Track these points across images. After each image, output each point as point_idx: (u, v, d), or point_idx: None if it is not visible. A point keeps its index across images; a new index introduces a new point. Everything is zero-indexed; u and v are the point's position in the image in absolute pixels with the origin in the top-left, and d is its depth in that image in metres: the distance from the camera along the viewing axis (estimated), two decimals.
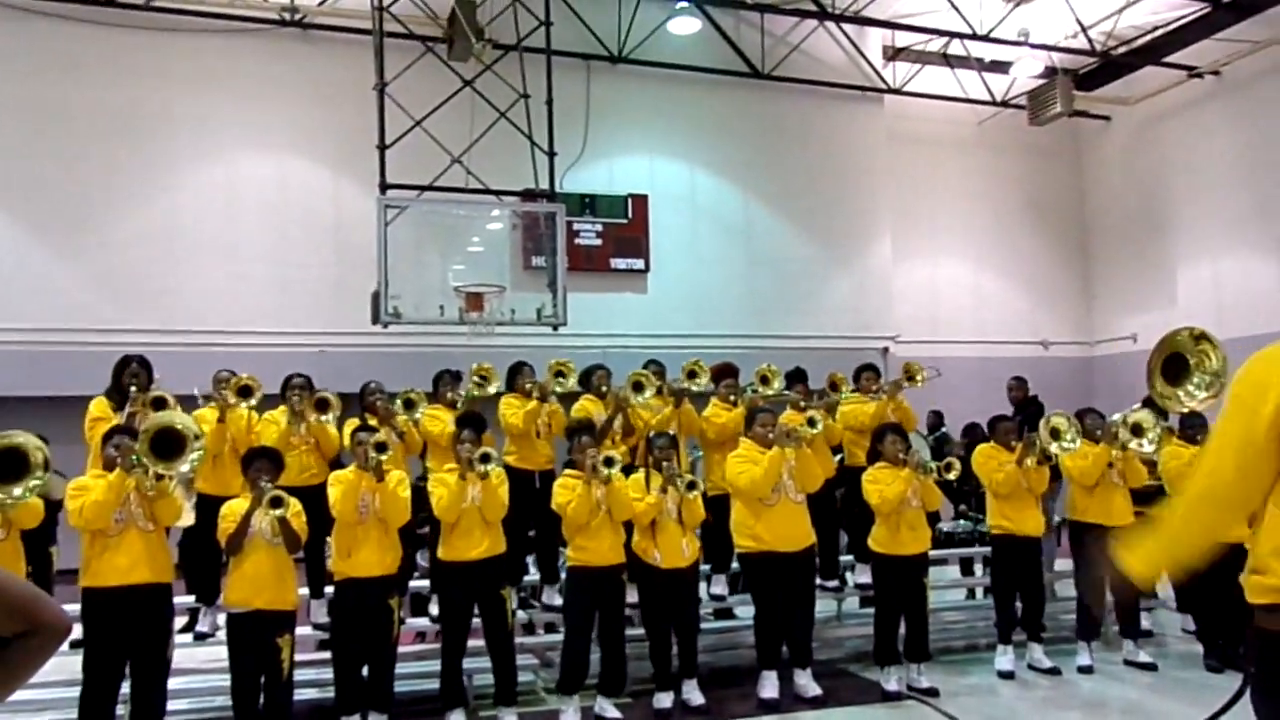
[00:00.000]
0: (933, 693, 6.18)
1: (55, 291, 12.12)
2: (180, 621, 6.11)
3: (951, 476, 6.23)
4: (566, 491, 5.72)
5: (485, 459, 5.43)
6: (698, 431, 6.95)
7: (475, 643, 5.74)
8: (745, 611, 6.93)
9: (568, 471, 5.90)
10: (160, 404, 5.85)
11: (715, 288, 14.66)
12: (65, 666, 5.14)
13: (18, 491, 4.43)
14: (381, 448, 5.24)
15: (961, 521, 8.96)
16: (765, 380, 6.91)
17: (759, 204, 15.21)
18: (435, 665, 5.72)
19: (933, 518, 8.59)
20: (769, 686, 6.03)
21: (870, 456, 6.40)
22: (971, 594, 8.75)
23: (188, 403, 6.26)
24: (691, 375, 6.84)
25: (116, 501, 4.81)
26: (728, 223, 15.02)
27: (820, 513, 6.79)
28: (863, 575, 7.09)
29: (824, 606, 7.30)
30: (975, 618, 8.02)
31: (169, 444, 4.66)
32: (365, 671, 5.42)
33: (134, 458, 4.71)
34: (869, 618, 6.63)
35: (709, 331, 13.82)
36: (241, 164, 13.04)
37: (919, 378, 7.20)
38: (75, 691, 4.94)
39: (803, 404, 6.92)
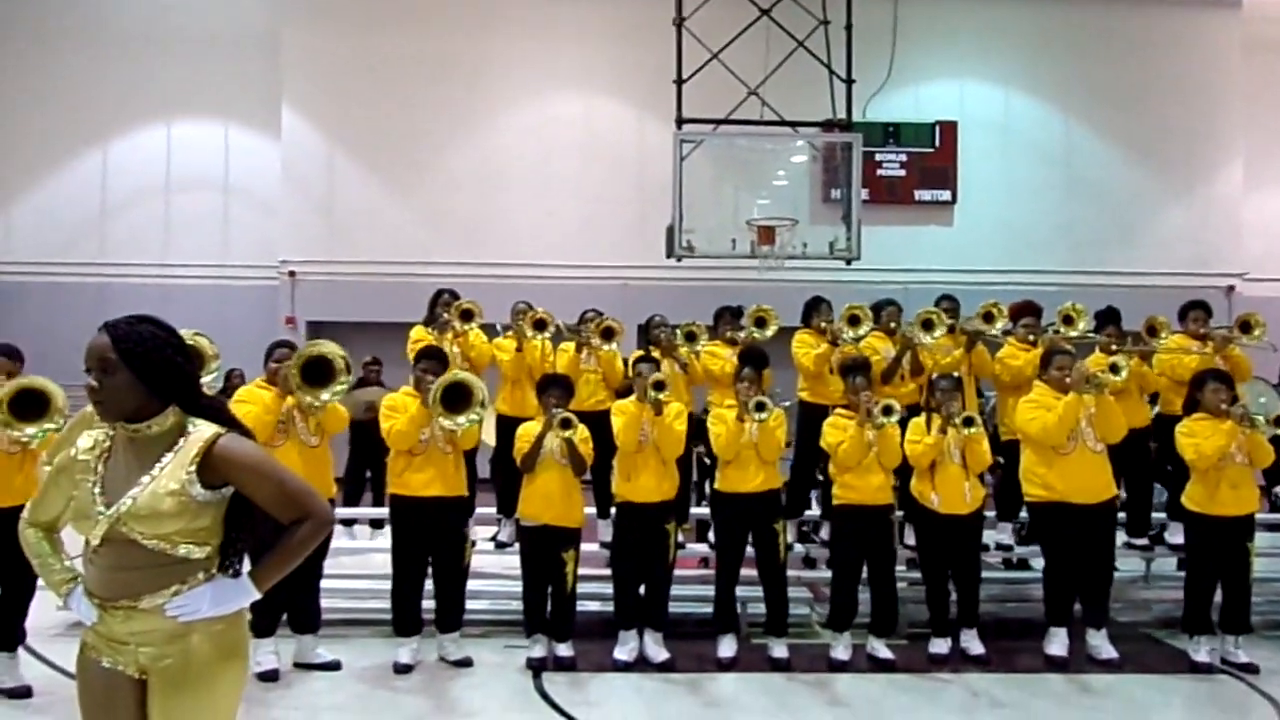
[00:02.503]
0: (1251, 669, 5.56)
1: (391, 227, 13.50)
2: (490, 530, 6.71)
3: None
4: (837, 432, 5.64)
5: (760, 408, 5.44)
6: (990, 375, 6.55)
7: (752, 572, 5.85)
8: (1041, 563, 6.55)
9: (839, 411, 5.80)
10: (468, 315, 6.41)
11: (1029, 220, 13.71)
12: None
13: (325, 395, 4.98)
14: (660, 386, 5.39)
15: None
16: (1069, 320, 6.39)
17: (1082, 128, 13.98)
18: (713, 590, 5.88)
19: (1274, 478, 7.66)
20: (1057, 644, 5.68)
21: (1187, 406, 5.75)
22: None
23: (492, 332, 6.75)
24: (988, 318, 6.45)
25: (417, 431, 5.39)
26: (1045, 149, 13.95)
27: (1133, 464, 6.28)
28: (1177, 535, 6.44)
29: (1131, 565, 6.77)
30: None
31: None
32: (642, 590, 5.67)
33: (431, 398, 5.17)
34: (1182, 581, 6.02)
35: (1021, 267, 12.97)
36: (553, 104, 13.74)
37: (1257, 333, 6.33)
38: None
39: (1114, 347, 6.33)
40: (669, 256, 9.59)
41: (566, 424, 5.32)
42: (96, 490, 2.32)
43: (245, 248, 14.13)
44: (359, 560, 7.25)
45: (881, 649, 5.67)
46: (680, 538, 6.53)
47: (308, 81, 13.62)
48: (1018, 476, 5.94)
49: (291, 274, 13.67)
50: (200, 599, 2.32)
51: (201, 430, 2.36)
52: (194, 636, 2.33)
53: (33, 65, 14.15)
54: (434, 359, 5.56)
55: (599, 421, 5.86)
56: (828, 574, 6.54)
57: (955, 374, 6.05)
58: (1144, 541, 6.66)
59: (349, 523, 8.42)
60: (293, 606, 5.36)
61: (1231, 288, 13.49)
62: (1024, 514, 6.41)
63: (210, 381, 4.86)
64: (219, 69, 14.06)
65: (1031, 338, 6.39)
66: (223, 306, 13.33)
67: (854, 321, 6.45)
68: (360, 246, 13.43)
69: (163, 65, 14.07)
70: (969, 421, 5.54)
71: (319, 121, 13.70)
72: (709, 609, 5.90)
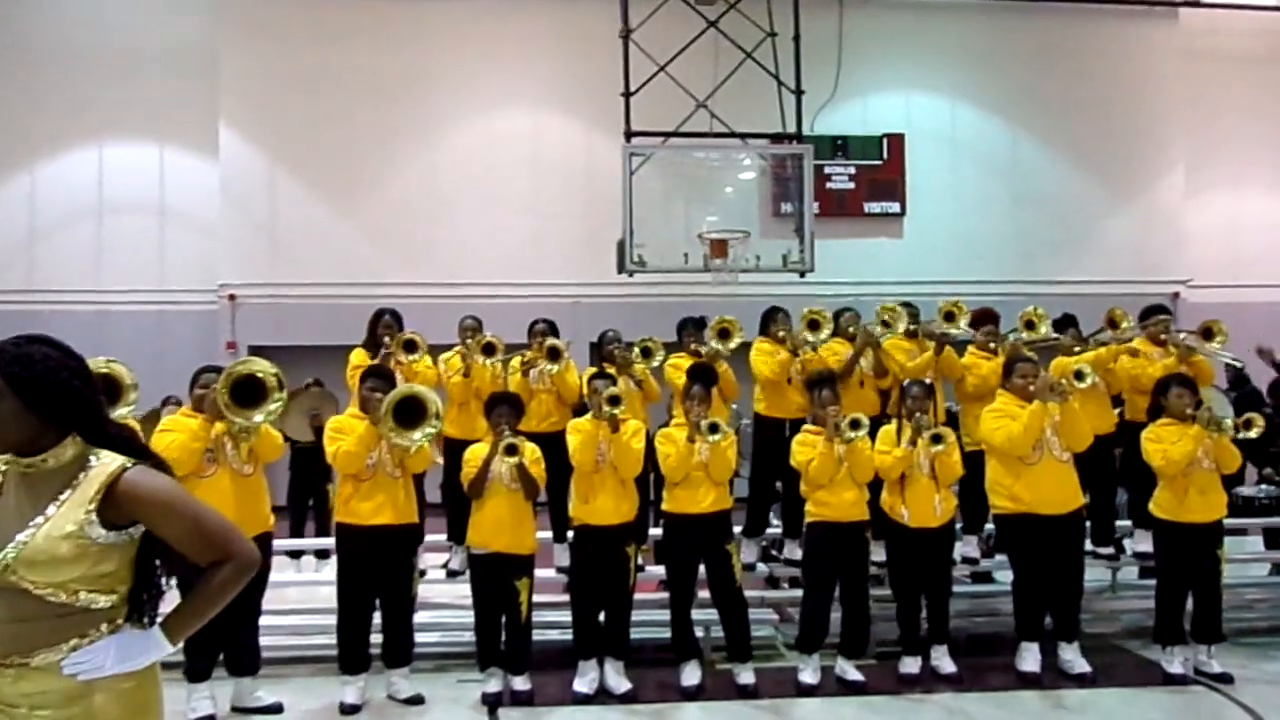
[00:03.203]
0: (1225, 679, 5.46)
1: (335, 247, 13.12)
2: (441, 557, 6.41)
3: (1252, 435, 5.41)
4: (807, 449, 5.45)
5: (714, 429, 5.24)
6: (957, 376, 6.38)
7: None
8: (1005, 576, 6.44)
9: (807, 427, 5.61)
10: (411, 346, 6.14)
11: (978, 230, 13.74)
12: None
13: (258, 417, 4.67)
14: (615, 401, 5.17)
15: (1264, 486, 7.87)
16: (1030, 325, 6.29)
17: (1028, 139, 14.06)
18: None
19: (1233, 480, 7.63)
20: (1030, 659, 5.52)
21: (1151, 411, 5.66)
22: (1278, 569, 7.69)
23: (436, 352, 6.50)
24: (949, 317, 6.32)
25: (365, 453, 5.08)
26: (992, 160, 14.01)
27: (1096, 472, 6.16)
28: (1142, 543, 6.35)
29: (1097, 575, 6.65)
30: None
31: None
32: (602, 617, 5.43)
33: (382, 412, 4.88)
34: (1149, 590, 5.93)
35: (971, 278, 12.92)
36: (499, 120, 13.49)
37: (1218, 340, 6.30)
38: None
39: (1077, 349, 6.25)
40: (620, 272, 9.41)
41: (512, 450, 5.07)
42: None
43: (183, 271, 13.66)
44: (305, 593, 6.91)
45: (851, 671, 5.47)
46: (640, 560, 6.31)
47: (246, 100, 13.24)
48: (983, 488, 5.82)
49: (232, 297, 13.24)
50: (103, 654, 2.04)
51: (105, 463, 2.09)
52: (97, 697, 2.05)
53: None
54: (381, 377, 5.28)
55: (555, 443, 5.62)
56: (792, 594, 6.38)
57: (927, 380, 5.90)
58: (1109, 551, 6.56)
59: (296, 554, 8.07)
60: (229, 647, 5.03)
61: (1176, 294, 13.60)
62: (989, 526, 6.28)
63: (129, 413, 4.53)
64: (153, 88, 13.59)
65: (993, 345, 6.29)
66: (161, 332, 12.89)
67: (814, 326, 6.31)
68: (303, 267, 13.04)
69: (93, 85, 13.59)
70: (937, 439, 5.38)
71: (259, 140, 13.32)
72: (669, 633, 5.66)
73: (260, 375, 4.72)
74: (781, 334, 6.46)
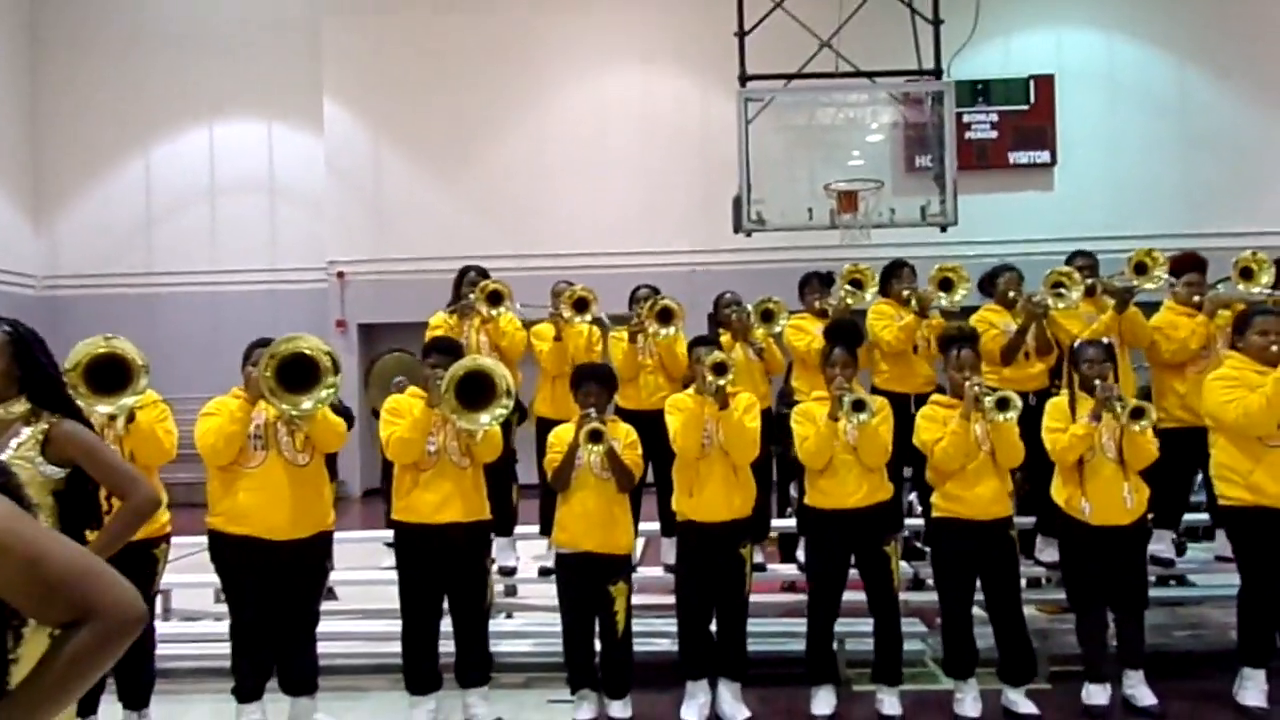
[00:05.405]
0: None
1: (441, 221, 12.67)
2: (536, 548, 5.63)
3: None
4: (934, 426, 4.42)
5: (859, 406, 4.26)
6: (1145, 343, 5.23)
7: (851, 597, 4.68)
8: (1207, 580, 5.34)
9: (937, 399, 4.58)
10: (496, 297, 5.35)
11: (1140, 179, 12.36)
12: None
13: (306, 404, 3.96)
14: (721, 369, 4.25)
15: None
16: (1248, 274, 5.06)
17: (1199, 74, 12.54)
18: (801, 624, 4.74)
19: None
20: (1254, 691, 4.36)
21: None
22: None
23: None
24: (1140, 269, 5.19)
25: (423, 438, 4.29)
26: (1157, 100, 12.55)
27: None
28: None
29: None
30: None
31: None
32: (714, 628, 4.57)
33: (443, 390, 4.09)
34: None
35: (1133, 232, 11.44)
36: (608, 82, 12.84)
37: None
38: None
39: None
40: (737, 231, 8.52)
41: (597, 436, 4.23)
42: None
43: (293, 250, 13.49)
44: (384, 591, 6.23)
45: (1021, 701, 4.43)
46: (760, 558, 5.43)
47: (349, 71, 12.92)
48: (1176, 472, 4.75)
49: (340, 275, 12.94)
50: None
51: None
52: None
53: (71, 74, 13.72)
54: (445, 352, 4.44)
55: (661, 422, 4.76)
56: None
57: (1106, 339, 4.81)
58: None
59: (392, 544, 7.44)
60: (283, 662, 4.37)
61: None
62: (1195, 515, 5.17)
63: (136, 402, 3.82)
64: (258, 64, 13.47)
65: (1196, 298, 5.09)
66: (274, 312, 12.68)
67: (946, 286, 5.30)
68: (410, 243, 12.64)
69: (201, 64, 13.53)
70: (1137, 413, 4.27)
71: (362, 113, 12.97)
72: (797, 645, 4.76)
73: (310, 354, 4.00)
74: (906, 293, 5.47)
